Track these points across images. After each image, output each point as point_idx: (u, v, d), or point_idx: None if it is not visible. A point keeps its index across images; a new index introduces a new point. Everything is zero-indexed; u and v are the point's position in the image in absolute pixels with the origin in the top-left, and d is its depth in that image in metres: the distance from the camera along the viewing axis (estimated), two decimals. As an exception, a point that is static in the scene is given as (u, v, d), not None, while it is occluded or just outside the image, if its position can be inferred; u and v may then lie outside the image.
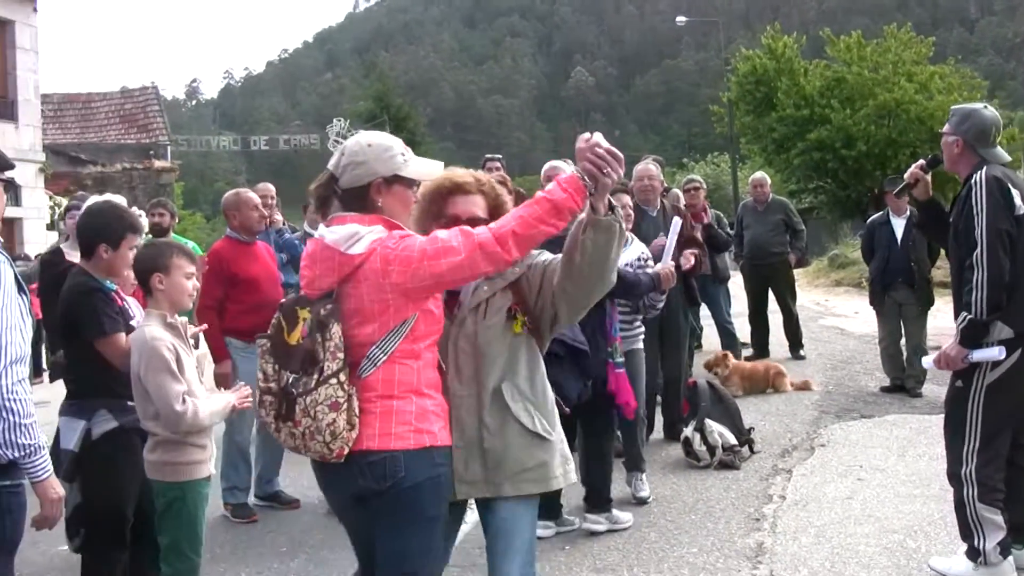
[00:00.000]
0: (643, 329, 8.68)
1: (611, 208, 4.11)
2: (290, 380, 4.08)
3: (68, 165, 40.01)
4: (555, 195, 4.00)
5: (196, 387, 5.39)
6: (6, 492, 4.30)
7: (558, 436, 4.60)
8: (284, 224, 12.18)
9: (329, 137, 56.69)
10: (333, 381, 4.03)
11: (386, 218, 4.26)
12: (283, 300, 4.38)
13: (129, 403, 5.52)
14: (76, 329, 5.64)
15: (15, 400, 4.10)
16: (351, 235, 4.13)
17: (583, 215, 4.13)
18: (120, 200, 7.30)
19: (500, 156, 12.12)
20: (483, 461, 4.47)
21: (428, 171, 4.48)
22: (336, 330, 4.07)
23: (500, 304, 4.52)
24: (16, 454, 4.13)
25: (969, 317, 5.99)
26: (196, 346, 5.76)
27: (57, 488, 4.41)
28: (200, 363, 5.56)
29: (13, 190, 24.88)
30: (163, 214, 11.27)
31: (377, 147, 4.31)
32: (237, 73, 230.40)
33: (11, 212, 20.93)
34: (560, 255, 4.36)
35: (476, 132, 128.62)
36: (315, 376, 4.04)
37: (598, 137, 4.07)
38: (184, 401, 5.22)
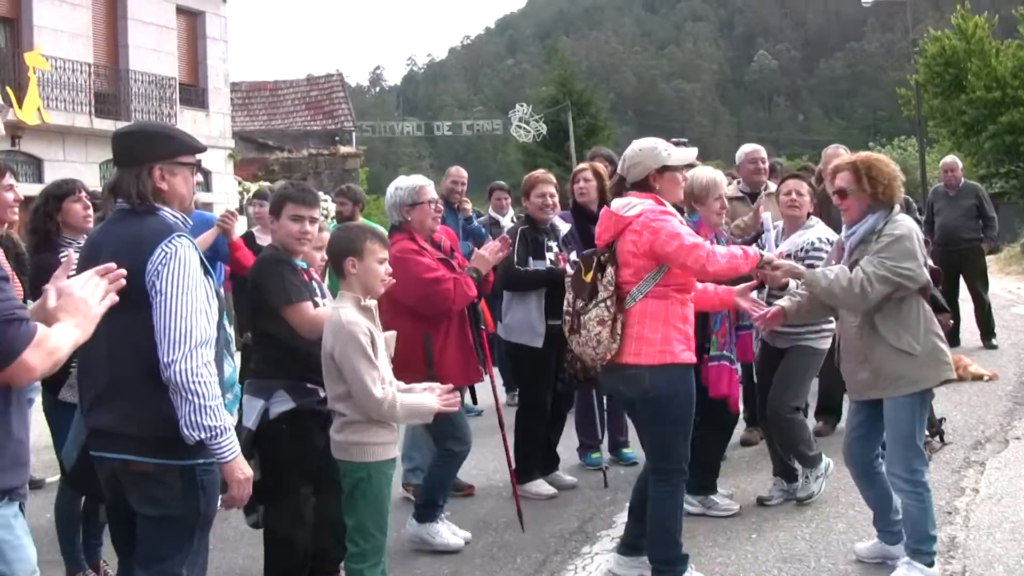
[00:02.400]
0: (820, 327, 7.72)
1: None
2: (579, 305, 6.10)
3: (256, 151, 41.11)
4: (744, 263, 6.11)
5: (386, 371, 5.45)
6: (200, 470, 4.40)
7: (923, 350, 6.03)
8: (472, 211, 12.21)
9: (512, 122, 56.88)
10: (602, 304, 5.99)
11: (656, 196, 6.11)
12: (584, 252, 6.51)
13: (308, 385, 5.68)
14: (264, 299, 5.80)
15: (200, 383, 4.19)
16: (627, 203, 6.06)
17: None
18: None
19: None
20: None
21: (687, 156, 6.39)
22: (610, 270, 6.04)
23: None
24: (202, 435, 4.21)
25: None
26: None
27: (244, 469, 4.48)
28: (388, 344, 5.59)
29: (204, 176, 25.59)
30: (344, 203, 10.91)
31: (646, 149, 6.19)
32: (420, 60, 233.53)
33: (202, 197, 21.42)
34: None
35: (658, 117, 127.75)
36: (591, 301, 6.02)
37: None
38: (383, 388, 5.29)
